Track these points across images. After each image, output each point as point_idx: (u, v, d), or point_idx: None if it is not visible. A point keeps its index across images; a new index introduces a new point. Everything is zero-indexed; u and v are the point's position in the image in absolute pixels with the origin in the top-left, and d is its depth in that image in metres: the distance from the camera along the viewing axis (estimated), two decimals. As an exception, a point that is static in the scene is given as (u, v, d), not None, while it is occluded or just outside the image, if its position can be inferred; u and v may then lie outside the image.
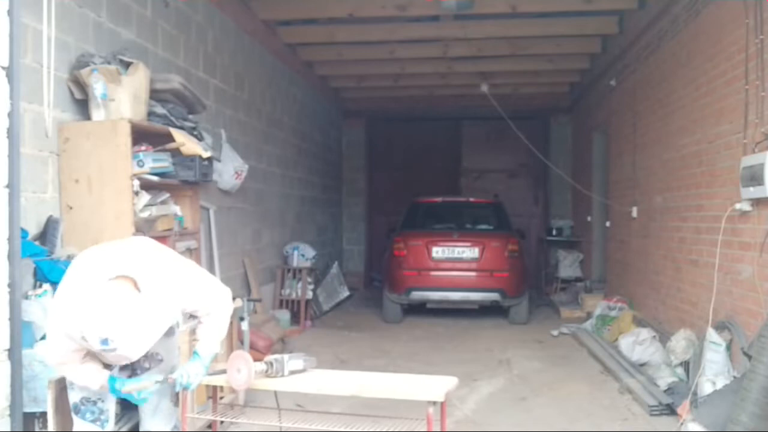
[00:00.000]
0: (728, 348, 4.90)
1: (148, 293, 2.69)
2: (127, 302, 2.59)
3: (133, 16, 5.18)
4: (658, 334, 6.55)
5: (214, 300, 3.00)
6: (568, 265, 11.22)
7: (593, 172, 10.71)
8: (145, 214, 4.32)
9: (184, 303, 2.91)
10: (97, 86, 4.20)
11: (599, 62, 9.81)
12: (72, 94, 4.31)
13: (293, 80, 9.77)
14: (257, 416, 3.52)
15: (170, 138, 4.60)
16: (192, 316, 3.09)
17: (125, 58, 4.46)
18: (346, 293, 10.96)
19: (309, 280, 8.98)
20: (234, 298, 5.23)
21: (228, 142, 6.89)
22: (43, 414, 3.12)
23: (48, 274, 3.58)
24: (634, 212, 7.98)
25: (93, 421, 3.00)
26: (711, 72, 5.60)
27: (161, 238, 4.51)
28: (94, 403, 3.00)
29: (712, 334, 4.95)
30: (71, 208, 4.20)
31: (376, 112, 13.61)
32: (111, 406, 3.06)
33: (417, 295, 9.19)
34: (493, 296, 9.09)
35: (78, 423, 3.00)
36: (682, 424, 4.62)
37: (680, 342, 5.66)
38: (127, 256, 2.76)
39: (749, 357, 4.16)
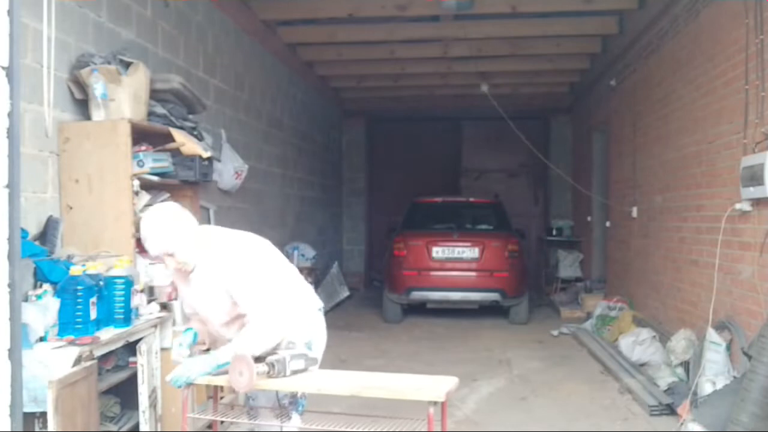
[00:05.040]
0: (728, 348, 4.90)
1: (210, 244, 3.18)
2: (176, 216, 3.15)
3: (133, 16, 5.17)
4: (658, 334, 6.55)
5: (256, 307, 3.14)
6: (568, 265, 11.22)
7: (593, 172, 10.71)
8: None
9: (230, 287, 3.14)
10: (97, 86, 4.20)
11: (599, 62, 9.81)
12: (72, 94, 4.31)
13: (293, 80, 9.77)
14: (257, 416, 3.52)
15: (170, 138, 4.60)
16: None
17: (125, 58, 4.46)
18: (346, 293, 10.96)
19: (309, 280, 8.95)
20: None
21: (228, 142, 6.89)
22: (43, 414, 3.11)
23: (48, 274, 3.57)
24: (634, 212, 7.98)
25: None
26: (711, 72, 5.60)
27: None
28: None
29: (712, 334, 4.95)
30: (71, 208, 4.20)
31: (376, 112, 13.61)
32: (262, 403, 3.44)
33: (417, 295, 9.19)
34: (493, 296, 9.09)
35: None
36: (682, 424, 4.62)
37: (680, 342, 5.66)
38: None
39: (749, 357, 4.16)
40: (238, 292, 3.15)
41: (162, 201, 4.63)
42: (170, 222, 3.12)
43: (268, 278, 3.27)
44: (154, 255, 3.16)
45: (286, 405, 3.41)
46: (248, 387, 2.96)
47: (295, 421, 3.39)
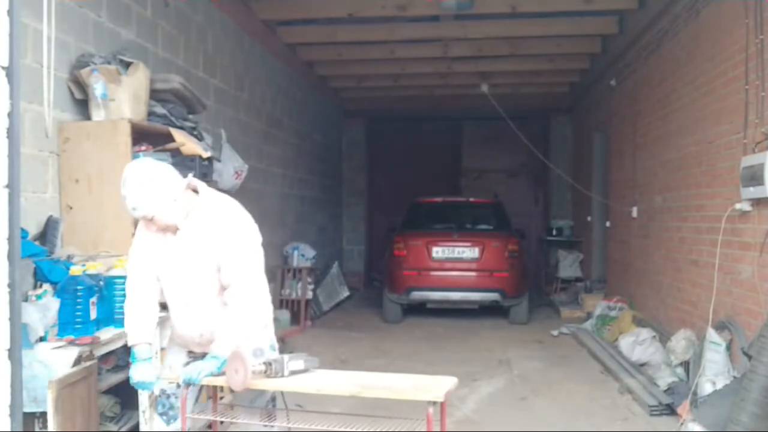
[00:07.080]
0: (728, 348, 4.89)
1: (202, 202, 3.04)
2: (163, 172, 2.95)
3: (133, 16, 5.18)
4: (658, 334, 6.55)
5: (242, 274, 3.00)
6: (568, 265, 11.22)
7: (593, 172, 10.71)
8: (145, 214, 4.31)
9: (219, 249, 3.00)
10: (97, 86, 4.20)
11: (599, 62, 9.81)
12: (72, 94, 4.31)
13: (293, 80, 9.77)
14: (257, 416, 3.52)
15: (170, 138, 4.59)
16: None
17: (125, 58, 4.46)
18: (346, 293, 10.96)
19: (309, 280, 8.98)
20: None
21: (228, 142, 6.88)
22: (43, 414, 3.12)
23: (48, 274, 3.58)
24: (634, 212, 7.98)
25: (161, 414, 3.17)
26: (711, 72, 5.60)
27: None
28: (168, 397, 3.20)
29: (712, 334, 4.95)
30: (71, 208, 4.20)
31: (376, 112, 13.62)
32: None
33: (417, 295, 9.19)
34: (493, 296, 9.09)
35: (155, 417, 3.22)
36: (682, 424, 4.62)
37: (680, 342, 5.66)
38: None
39: (749, 357, 4.16)
40: (228, 256, 2.98)
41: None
42: (153, 185, 2.90)
43: (257, 252, 3.14)
44: (136, 216, 2.99)
45: (272, 408, 3.39)
46: (244, 385, 2.95)
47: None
